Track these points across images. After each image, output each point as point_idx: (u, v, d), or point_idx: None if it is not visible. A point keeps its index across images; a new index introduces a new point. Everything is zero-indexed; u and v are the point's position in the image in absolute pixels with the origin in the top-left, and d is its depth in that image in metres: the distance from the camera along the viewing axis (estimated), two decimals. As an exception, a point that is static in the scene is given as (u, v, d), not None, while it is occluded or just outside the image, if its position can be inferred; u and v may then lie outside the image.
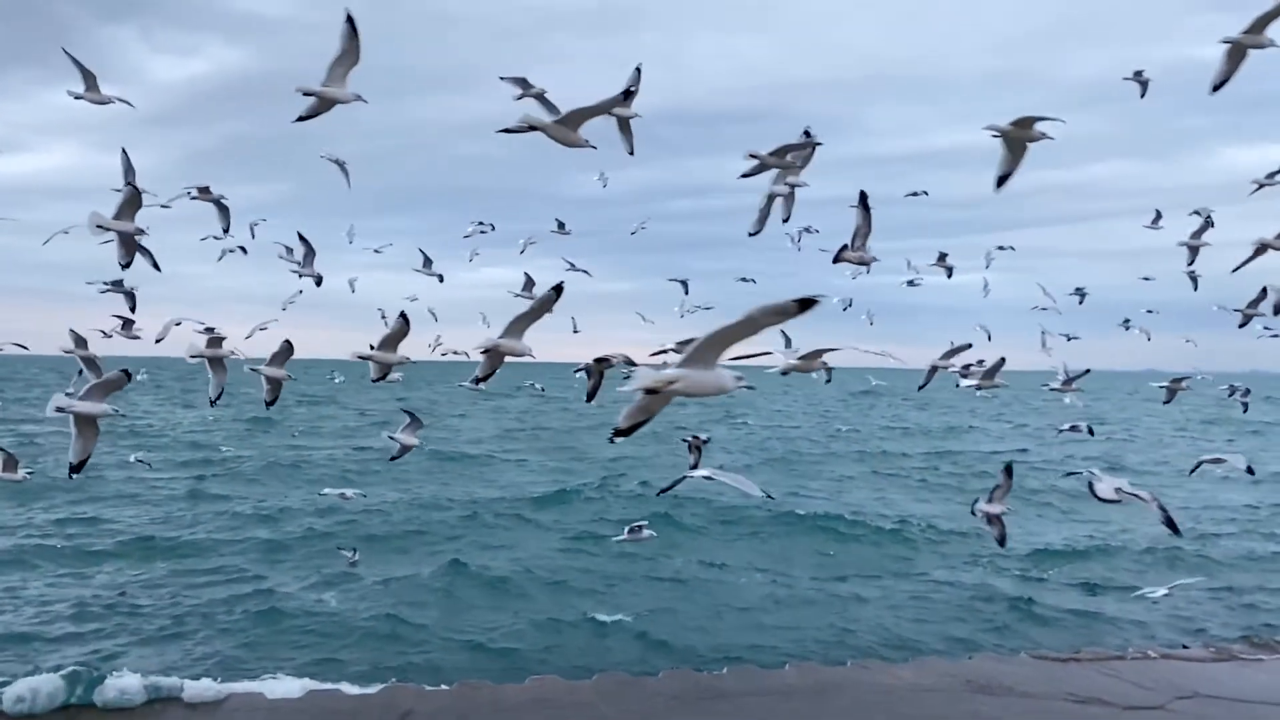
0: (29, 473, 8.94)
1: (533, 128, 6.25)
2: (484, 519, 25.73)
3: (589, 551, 22.08)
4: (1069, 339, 13.09)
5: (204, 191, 8.77)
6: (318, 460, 36.91)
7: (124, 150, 7.77)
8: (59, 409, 7.23)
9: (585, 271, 12.82)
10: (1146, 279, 12.71)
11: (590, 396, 9.03)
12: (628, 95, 6.27)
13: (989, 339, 13.30)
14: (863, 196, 8.09)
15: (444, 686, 11.14)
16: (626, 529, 13.22)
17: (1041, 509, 29.55)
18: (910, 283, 12.44)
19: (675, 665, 13.42)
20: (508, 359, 7.08)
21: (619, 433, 5.26)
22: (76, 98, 7.96)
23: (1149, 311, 13.14)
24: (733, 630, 16.49)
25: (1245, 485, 33.21)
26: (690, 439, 11.20)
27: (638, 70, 7.74)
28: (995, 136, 7.11)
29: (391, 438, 10.58)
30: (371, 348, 8.02)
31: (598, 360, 8.40)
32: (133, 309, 9.33)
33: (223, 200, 8.90)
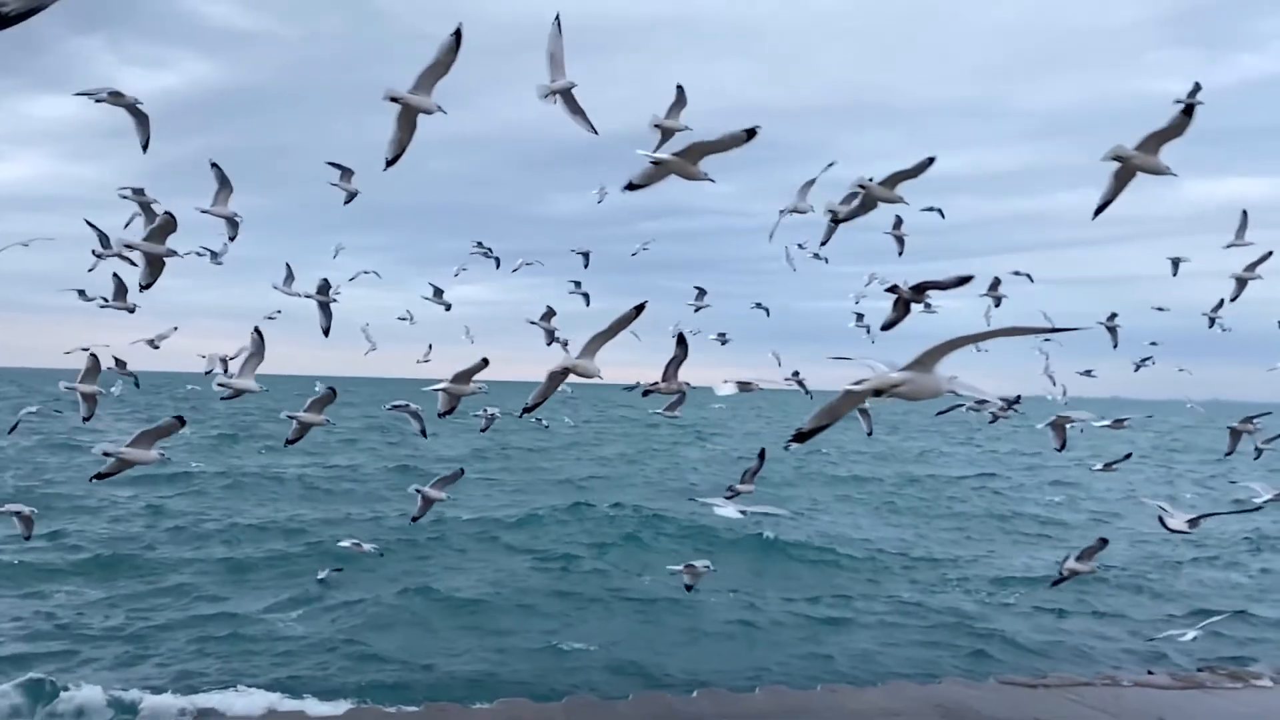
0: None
1: (656, 163, 6.12)
2: (452, 540, 25.50)
3: (559, 573, 21.92)
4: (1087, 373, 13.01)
5: (116, 96, 8.15)
6: (287, 478, 36.47)
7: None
8: (106, 453, 7.04)
9: (585, 295, 12.66)
10: (1160, 309, 12.49)
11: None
12: (750, 135, 6.05)
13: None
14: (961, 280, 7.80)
15: (411, 708, 10.98)
16: (684, 564, 13.03)
17: (1011, 534, 29.78)
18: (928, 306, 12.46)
19: (645, 688, 13.34)
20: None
21: (801, 436, 5.16)
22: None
23: (1153, 343, 12.97)
24: (703, 653, 16.43)
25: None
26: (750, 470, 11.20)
27: (680, 89, 7.67)
28: (1114, 160, 6.57)
29: (417, 490, 10.14)
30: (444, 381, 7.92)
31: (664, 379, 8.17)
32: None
33: (138, 105, 8.25)
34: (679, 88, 7.68)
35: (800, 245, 10.26)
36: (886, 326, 8.18)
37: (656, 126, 7.65)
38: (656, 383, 8.38)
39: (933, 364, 4.72)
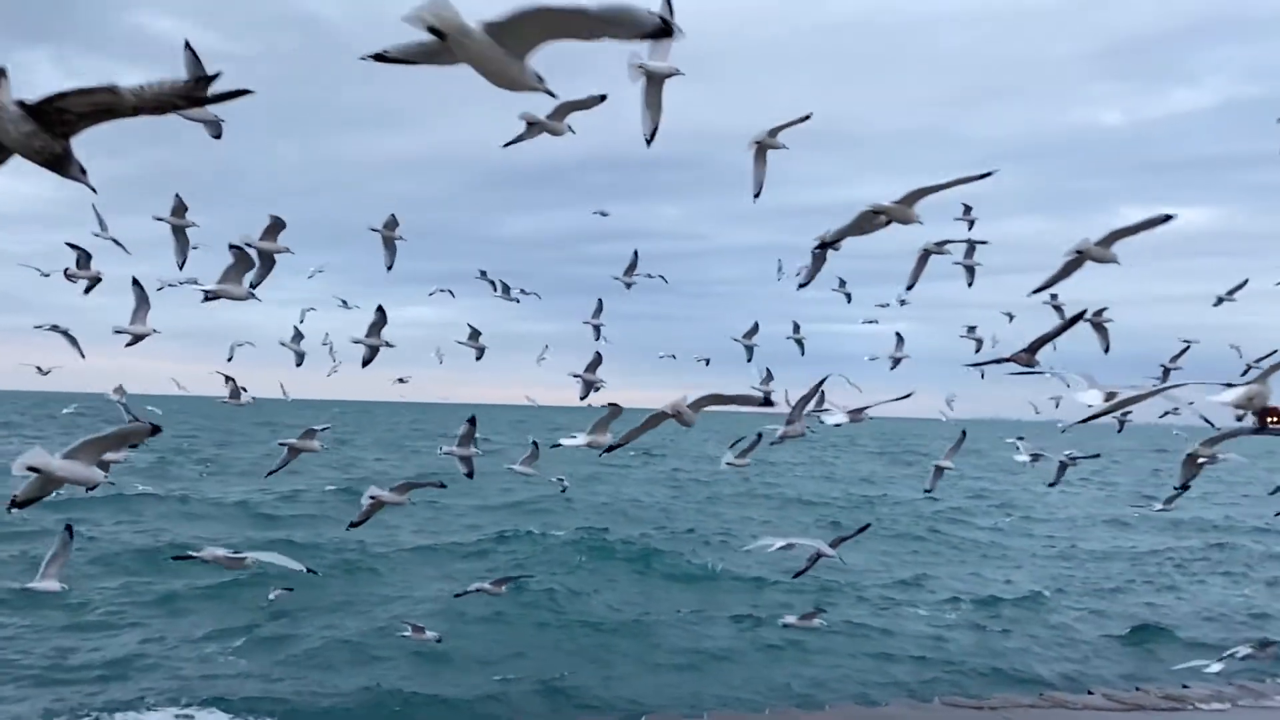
0: None
1: (877, 212, 6.34)
2: (398, 564, 25.09)
3: (506, 599, 21.37)
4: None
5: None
6: (227, 503, 35.59)
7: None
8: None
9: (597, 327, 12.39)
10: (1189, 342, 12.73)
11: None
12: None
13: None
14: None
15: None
16: (799, 615, 12.92)
17: (955, 555, 30.13)
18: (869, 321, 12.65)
19: (595, 715, 13.21)
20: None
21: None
22: None
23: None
24: (651, 679, 16.31)
25: (1154, 533, 34.51)
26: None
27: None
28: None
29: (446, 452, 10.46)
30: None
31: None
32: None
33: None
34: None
35: (793, 274, 10.25)
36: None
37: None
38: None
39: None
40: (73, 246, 8.83)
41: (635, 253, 11.53)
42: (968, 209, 11.89)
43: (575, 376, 10.67)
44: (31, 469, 5.06)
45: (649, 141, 6.64)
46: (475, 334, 11.30)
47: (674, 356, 14.01)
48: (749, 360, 11.45)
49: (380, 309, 9.64)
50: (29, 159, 3.01)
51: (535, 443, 10.68)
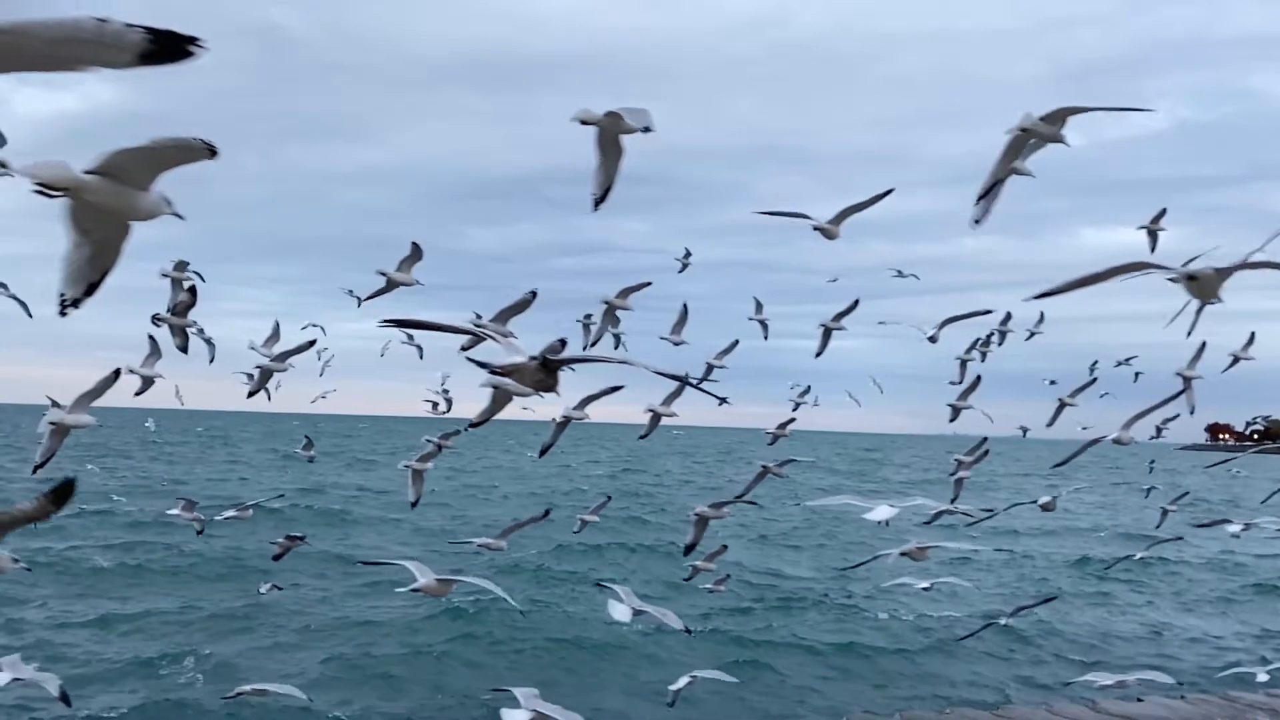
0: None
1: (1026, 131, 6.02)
2: (356, 585, 24.69)
3: (457, 622, 20.84)
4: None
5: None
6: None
7: None
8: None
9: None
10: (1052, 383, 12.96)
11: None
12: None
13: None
14: None
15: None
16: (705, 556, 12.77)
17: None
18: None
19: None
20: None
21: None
22: None
23: (1051, 382, 13.31)
24: (614, 695, 16.22)
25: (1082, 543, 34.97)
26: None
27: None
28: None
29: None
30: None
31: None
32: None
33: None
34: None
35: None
36: None
37: None
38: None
39: None
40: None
41: (685, 307, 10.63)
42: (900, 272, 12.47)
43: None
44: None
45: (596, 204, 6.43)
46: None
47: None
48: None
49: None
50: None
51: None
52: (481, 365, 4.46)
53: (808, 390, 13.31)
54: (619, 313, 9.45)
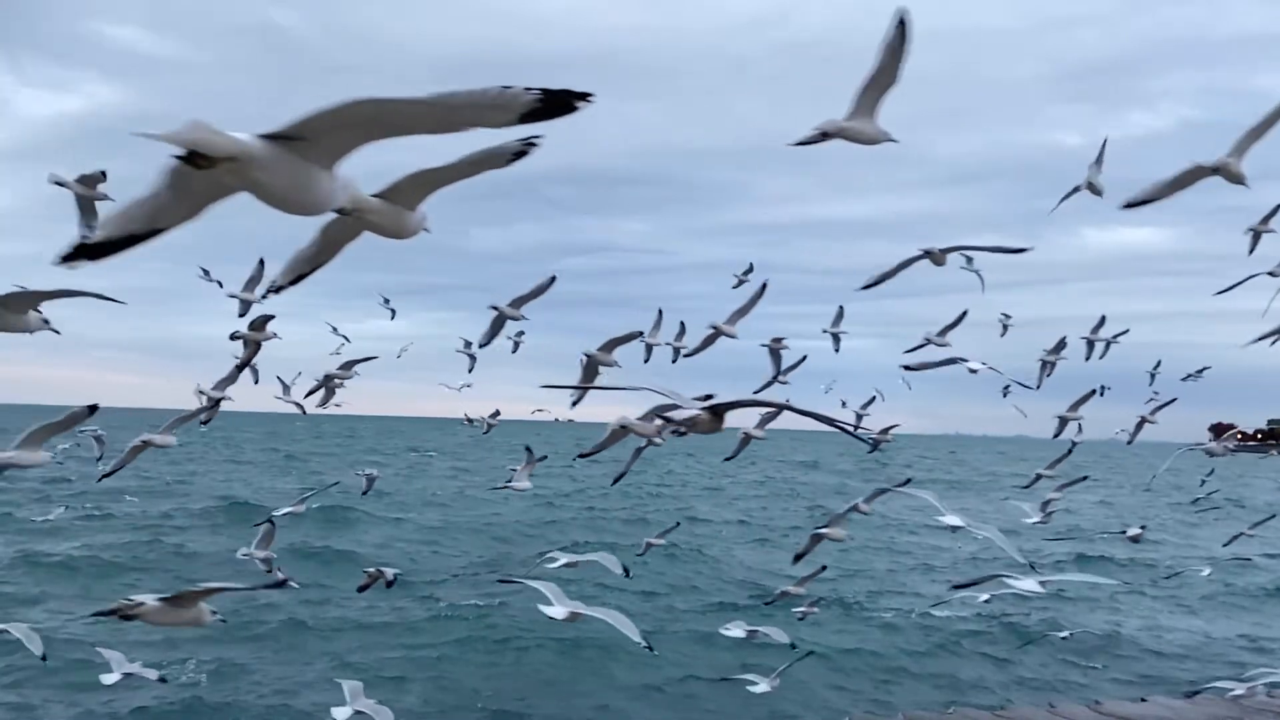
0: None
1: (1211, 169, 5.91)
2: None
3: (460, 623, 20.74)
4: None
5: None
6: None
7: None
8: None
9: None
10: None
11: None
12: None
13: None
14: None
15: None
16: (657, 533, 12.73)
17: (906, 567, 30.30)
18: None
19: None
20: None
21: None
22: None
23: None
24: (602, 704, 16.18)
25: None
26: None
27: None
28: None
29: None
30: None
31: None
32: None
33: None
34: None
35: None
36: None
37: None
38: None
39: None
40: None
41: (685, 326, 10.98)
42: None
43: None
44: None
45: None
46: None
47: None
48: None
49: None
50: None
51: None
52: (666, 420, 4.73)
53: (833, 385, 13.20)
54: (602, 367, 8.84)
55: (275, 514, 12.89)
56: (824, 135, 5.59)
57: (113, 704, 14.50)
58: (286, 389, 11.30)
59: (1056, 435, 11.62)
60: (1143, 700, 12.79)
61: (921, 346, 9.78)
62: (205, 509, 36.80)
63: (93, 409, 6.07)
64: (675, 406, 4.76)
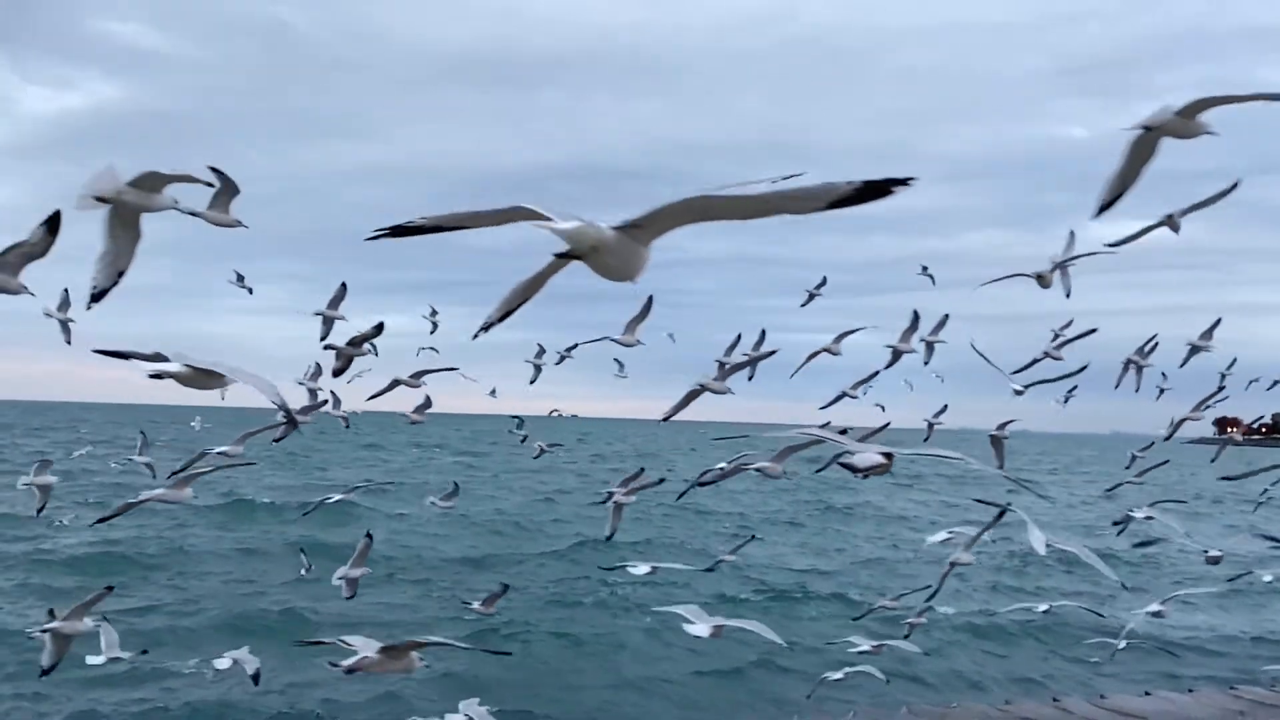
0: None
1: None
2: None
3: (464, 621, 20.68)
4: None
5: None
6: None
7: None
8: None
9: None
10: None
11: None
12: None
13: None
14: None
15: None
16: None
17: (902, 566, 30.25)
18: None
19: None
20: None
21: None
22: None
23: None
24: (603, 703, 16.17)
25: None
26: None
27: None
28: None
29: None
30: None
31: None
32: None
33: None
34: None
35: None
36: None
37: None
38: None
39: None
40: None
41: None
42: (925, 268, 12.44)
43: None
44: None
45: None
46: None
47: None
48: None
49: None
50: None
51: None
52: (845, 466, 5.03)
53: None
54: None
55: (328, 499, 13.58)
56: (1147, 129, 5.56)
57: (113, 703, 14.50)
58: (337, 402, 11.16)
59: (1168, 437, 11.71)
60: (1146, 694, 12.79)
61: (1037, 362, 10.23)
62: (208, 505, 36.85)
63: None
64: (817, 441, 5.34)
